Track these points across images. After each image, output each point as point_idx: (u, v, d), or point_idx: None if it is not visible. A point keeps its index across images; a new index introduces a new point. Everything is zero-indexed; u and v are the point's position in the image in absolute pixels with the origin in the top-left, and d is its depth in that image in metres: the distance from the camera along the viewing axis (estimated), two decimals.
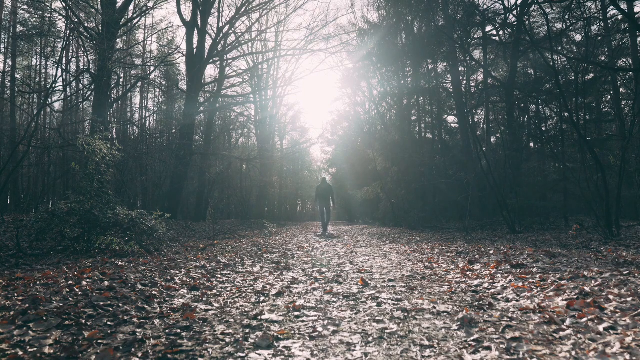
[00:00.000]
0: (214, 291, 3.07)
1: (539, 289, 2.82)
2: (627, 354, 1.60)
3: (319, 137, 29.06)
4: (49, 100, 10.98)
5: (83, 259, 4.61)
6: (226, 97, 20.57)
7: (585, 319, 2.05)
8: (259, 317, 2.34)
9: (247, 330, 2.10)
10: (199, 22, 14.87)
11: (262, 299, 2.84)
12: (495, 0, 16.22)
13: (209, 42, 15.93)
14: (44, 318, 2.07)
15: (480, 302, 2.56)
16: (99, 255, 5.13)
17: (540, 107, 14.77)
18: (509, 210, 8.79)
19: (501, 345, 1.78)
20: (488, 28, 14.92)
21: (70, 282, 2.93)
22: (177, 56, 17.01)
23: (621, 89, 13.42)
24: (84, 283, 2.89)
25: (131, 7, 12.76)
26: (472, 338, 1.90)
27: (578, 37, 14.28)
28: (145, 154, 14.67)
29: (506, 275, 3.40)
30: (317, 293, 3.04)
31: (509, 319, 2.18)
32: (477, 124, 18.30)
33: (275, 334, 2.02)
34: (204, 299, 2.79)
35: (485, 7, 13.80)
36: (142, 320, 2.20)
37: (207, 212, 18.72)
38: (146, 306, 2.49)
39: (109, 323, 2.12)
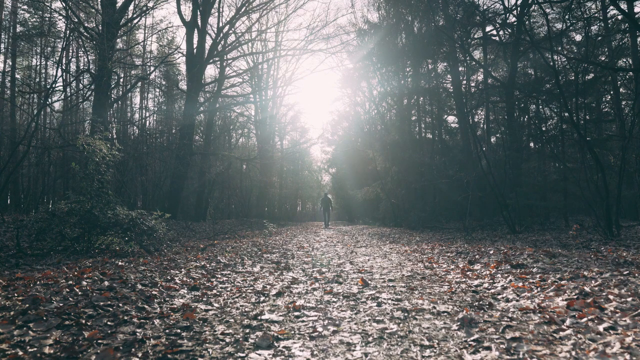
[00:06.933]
0: (214, 291, 3.07)
1: (539, 289, 2.82)
2: (627, 354, 1.60)
3: (319, 137, 29.04)
4: (49, 100, 10.98)
5: (83, 259, 4.61)
6: (226, 97, 20.56)
7: (585, 319, 2.05)
8: (259, 317, 2.34)
9: (247, 330, 2.10)
10: (199, 22, 14.87)
11: (262, 299, 2.84)
12: (495, 0, 16.21)
13: (209, 42, 15.94)
14: (44, 318, 2.07)
15: (480, 302, 2.56)
16: (99, 255, 5.13)
17: (540, 107, 14.75)
18: (509, 210, 8.79)
19: (501, 345, 1.78)
20: (488, 28, 14.92)
21: (70, 282, 2.93)
22: (177, 56, 17.01)
23: (621, 89, 13.41)
24: (84, 283, 2.89)
25: (131, 7, 12.76)
26: (472, 338, 1.90)
27: (578, 37, 14.27)
28: (145, 154, 14.68)
29: (506, 275, 3.40)
30: (317, 293, 3.04)
31: (509, 319, 2.18)
32: (477, 124, 18.28)
33: (275, 334, 2.02)
34: (204, 299, 2.79)
35: (485, 7, 13.79)
36: (142, 320, 2.20)
37: (207, 212, 18.71)
38: (146, 306, 2.49)
39: (109, 323, 2.12)
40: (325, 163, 32.52)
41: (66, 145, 10.46)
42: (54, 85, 9.48)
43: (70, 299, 2.46)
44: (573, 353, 1.66)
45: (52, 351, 1.71)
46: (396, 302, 2.67)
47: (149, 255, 5.28)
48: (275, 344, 1.88)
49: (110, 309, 2.34)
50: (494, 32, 14.56)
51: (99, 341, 1.85)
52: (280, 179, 29.25)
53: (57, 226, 5.29)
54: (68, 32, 10.34)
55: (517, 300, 2.57)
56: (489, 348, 1.76)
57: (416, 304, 2.62)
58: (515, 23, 12.20)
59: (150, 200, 18.00)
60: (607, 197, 6.44)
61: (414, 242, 7.89)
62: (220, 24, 16.22)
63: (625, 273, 3.13)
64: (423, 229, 12.08)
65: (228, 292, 3.05)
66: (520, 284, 2.98)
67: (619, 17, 11.74)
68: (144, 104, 22.57)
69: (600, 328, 1.91)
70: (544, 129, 14.26)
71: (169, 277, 3.46)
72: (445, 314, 2.36)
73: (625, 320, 1.99)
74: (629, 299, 2.33)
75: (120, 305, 2.44)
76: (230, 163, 20.83)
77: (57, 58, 12.47)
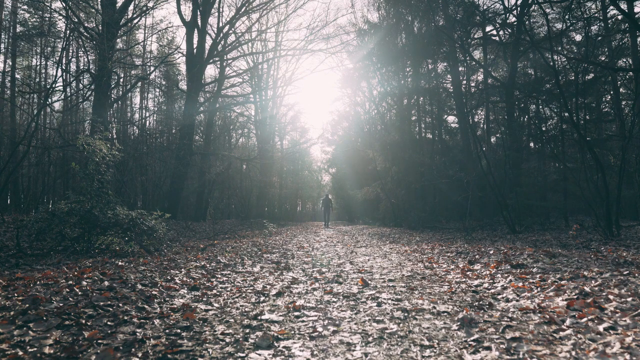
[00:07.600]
0: (214, 291, 3.07)
1: (539, 289, 2.82)
2: (627, 354, 1.60)
3: (319, 137, 29.02)
4: (49, 100, 10.98)
5: (83, 259, 4.61)
6: (226, 97, 20.56)
7: (585, 319, 2.05)
8: (259, 317, 2.34)
9: (247, 330, 2.10)
10: (199, 22, 14.87)
11: (262, 299, 2.84)
12: (495, 0, 16.20)
13: (209, 42, 15.94)
14: (44, 318, 2.07)
15: (480, 302, 2.56)
16: (99, 255, 5.13)
17: (540, 107, 14.75)
18: (509, 210, 8.79)
19: (501, 345, 1.78)
20: (488, 28, 14.93)
21: (70, 282, 2.93)
22: (177, 56, 17.01)
23: (621, 89, 13.41)
24: (84, 283, 2.89)
25: (131, 7, 12.76)
26: (472, 338, 1.90)
27: (578, 37, 14.27)
28: (145, 154, 14.67)
29: (506, 275, 3.40)
30: (317, 293, 3.04)
31: (509, 319, 2.18)
32: (477, 124, 18.29)
33: (275, 334, 2.02)
34: (204, 299, 2.79)
35: (485, 7, 13.80)
36: (142, 320, 2.20)
37: (207, 212, 18.71)
38: (146, 306, 2.49)
39: (109, 323, 2.12)
40: (325, 163, 32.53)
41: (66, 145, 10.47)
42: (54, 85, 9.48)
43: (70, 299, 2.46)
44: (573, 353, 1.66)
45: (52, 351, 1.71)
46: (396, 302, 2.67)
47: (149, 255, 5.28)
48: (275, 344, 1.88)
49: (110, 309, 2.34)
50: (494, 32, 14.57)
51: (99, 341, 1.85)
52: (280, 179, 29.24)
53: (57, 226, 5.29)
54: (68, 32, 10.34)
55: (517, 300, 2.57)
56: (489, 348, 1.76)
57: (416, 304, 2.62)
58: (515, 23, 12.21)
59: (150, 200, 17.99)
60: (607, 197, 6.44)
61: (414, 242, 7.89)
62: (220, 24, 16.23)
63: (625, 273, 3.13)
64: (423, 229, 12.08)
65: (228, 292, 3.05)
66: (520, 284, 2.98)
67: (619, 17, 11.74)
68: (144, 104, 22.58)
69: (600, 328, 1.91)
70: (544, 129, 14.26)
71: (169, 277, 3.45)
72: (445, 314, 2.36)
73: (625, 320, 1.99)
74: (629, 299, 2.33)
75: (120, 305, 2.44)
76: (230, 163, 20.83)
77: (57, 58, 12.48)
